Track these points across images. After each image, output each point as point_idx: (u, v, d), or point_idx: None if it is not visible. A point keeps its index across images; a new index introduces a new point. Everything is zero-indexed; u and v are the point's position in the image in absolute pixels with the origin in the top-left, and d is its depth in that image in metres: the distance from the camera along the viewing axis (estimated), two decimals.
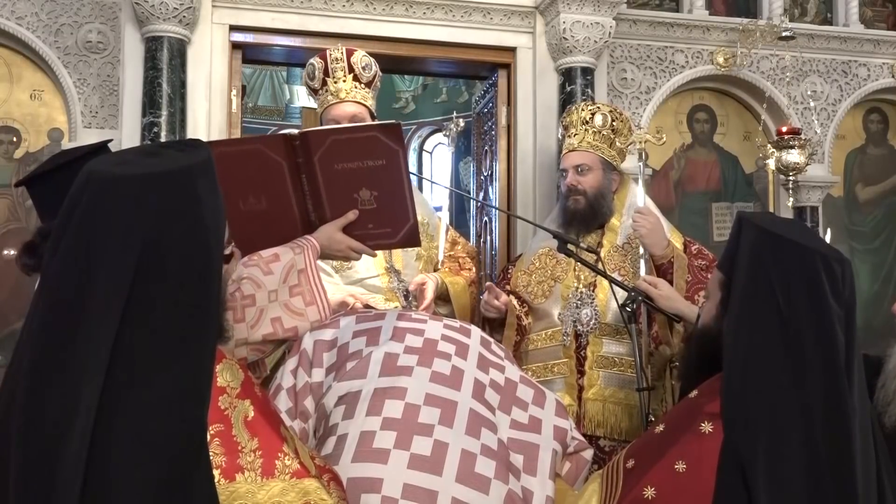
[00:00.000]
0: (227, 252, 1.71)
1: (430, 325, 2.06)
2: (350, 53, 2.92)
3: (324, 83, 2.91)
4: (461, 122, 3.44)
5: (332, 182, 2.16)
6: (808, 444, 1.55)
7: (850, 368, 1.61)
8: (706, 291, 2.00)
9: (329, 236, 2.18)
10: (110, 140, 2.13)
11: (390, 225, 2.22)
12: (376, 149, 2.10)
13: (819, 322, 1.61)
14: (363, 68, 2.93)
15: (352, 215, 2.18)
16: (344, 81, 2.89)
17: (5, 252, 4.03)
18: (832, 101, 5.02)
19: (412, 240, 2.29)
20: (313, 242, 2.15)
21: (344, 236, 2.19)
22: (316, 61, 2.94)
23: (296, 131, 2.29)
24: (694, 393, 1.78)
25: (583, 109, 3.18)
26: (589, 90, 4.29)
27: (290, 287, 2.07)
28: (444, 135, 3.43)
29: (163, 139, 3.79)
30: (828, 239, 4.85)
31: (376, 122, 2.25)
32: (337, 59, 2.89)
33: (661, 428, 1.77)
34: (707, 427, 1.64)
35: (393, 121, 2.18)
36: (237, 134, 4.18)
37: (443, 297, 2.99)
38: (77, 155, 1.91)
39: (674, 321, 2.78)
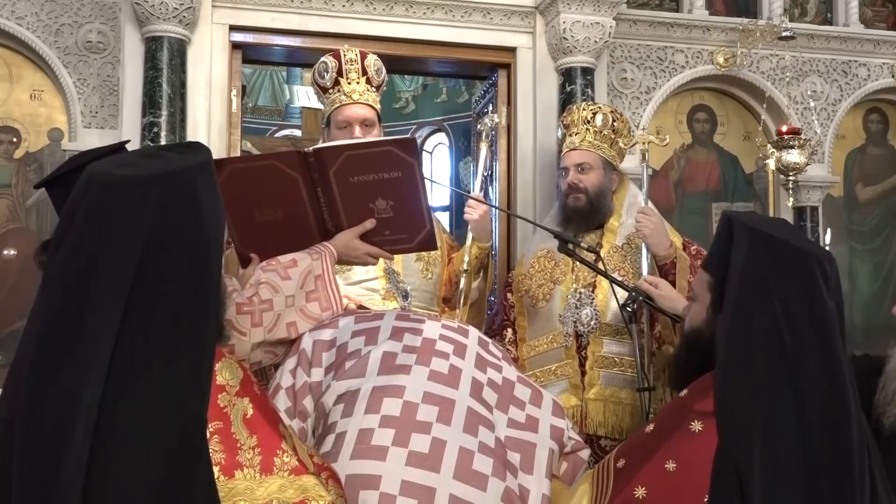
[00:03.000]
0: (227, 252, 1.72)
1: (428, 325, 2.07)
2: (364, 56, 2.95)
3: (336, 82, 2.93)
4: (496, 118, 3.43)
5: (348, 194, 2.17)
6: (804, 448, 1.53)
7: None
8: (692, 293, 1.97)
9: (346, 243, 2.20)
10: (128, 141, 2.14)
11: (407, 231, 2.23)
12: (391, 162, 2.12)
13: (819, 324, 1.59)
14: (376, 72, 2.98)
15: (369, 224, 2.19)
16: (358, 83, 2.92)
17: (5, 252, 4.03)
18: (832, 101, 5.02)
19: (429, 244, 2.31)
20: (331, 249, 2.17)
21: (361, 243, 2.21)
22: (329, 60, 2.95)
23: (299, 133, 2.31)
24: (684, 392, 1.77)
25: (584, 109, 3.21)
26: (589, 90, 4.29)
27: (307, 292, 2.09)
28: (479, 128, 3.41)
29: (163, 139, 3.80)
30: (828, 239, 4.86)
31: (391, 138, 2.27)
32: (352, 61, 2.92)
33: (651, 427, 1.76)
34: (697, 426, 1.63)
35: (408, 136, 2.19)
36: (237, 134, 4.19)
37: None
38: (95, 156, 1.92)
39: (675, 321, 2.78)
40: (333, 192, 2.17)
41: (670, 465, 1.62)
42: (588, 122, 3.14)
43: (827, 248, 4.89)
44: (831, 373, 1.58)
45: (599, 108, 3.21)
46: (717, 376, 1.66)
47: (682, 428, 1.65)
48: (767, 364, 1.60)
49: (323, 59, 2.99)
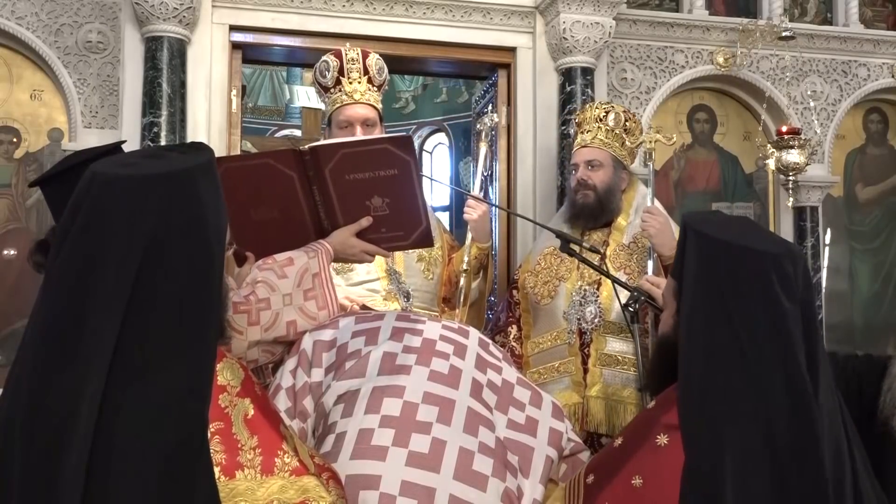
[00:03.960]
0: (228, 252, 1.72)
1: (428, 326, 2.07)
2: (365, 55, 2.95)
3: (337, 82, 2.93)
4: (495, 117, 3.43)
5: (344, 192, 2.17)
6: (772, 453, 1.48)
7: (814, 367, 1.54)
8: (663, 300, 1.92)
9: (343, 241, 2.19)
10: (124, 141, 2.14)
11: (403, 229, 2.23)
12: (388, 160, 2.12)
13: (773, 326, 1.54)
14: (377, 71, 2.97)
15: (365, 222, 2.19)
16: (359, 83, 2.92)
17: (5, 252, 4.03)
18: (832, 101, 5.02)
19: (425, 241, 2.31)
20: (327, 247, 2.16)
21: (357, 240, 2.20)
22: (330, 59, 2.95)
23: (299, 133, 2.31)
24: (651, 403, 1.74)
25: (597, 108, 3.23)
26: (589, 90, 4.29)
27: (304, 291, 2.08)
28: (479, 128, 3.41)
29: (163, 139, 3.80)
30: (828, 239, 4.86)
31: (387, 136, 2.26)
32: (353, 60, 2.92)
33: (619, 441, 1.73)
34: (663, 439, 1.60)
35: (404, 133, 2.19)
36: (237, 134, 4.19)
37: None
38: (91, 155, 1.92)
39: None
40: (329, 191, 2.16)
41: (637, 481, 1.59)
42: (600, 120, 3.17)
43: (826, 248, 4.89)
44: (790, 374, 1.52)
45: (612, 107, 3.23)
46: (679, 388, 1.61)
47: (648, 442, 1.62)
48: (727, 371, 1.54)
49: (324, 58, 2.99)
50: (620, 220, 3.12)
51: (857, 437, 1.64)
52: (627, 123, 3.18)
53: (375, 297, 2.85)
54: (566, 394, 2.92)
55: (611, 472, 1.65)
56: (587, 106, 3.35)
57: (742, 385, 1.52)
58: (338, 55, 2.95)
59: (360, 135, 2.85)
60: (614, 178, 3.12)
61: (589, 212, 3.10)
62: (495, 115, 3.47)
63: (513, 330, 3.21)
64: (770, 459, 1.49)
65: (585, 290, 3.01)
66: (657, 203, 3.10)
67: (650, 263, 2.93)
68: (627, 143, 3.18)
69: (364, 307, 2.68)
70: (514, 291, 3.27)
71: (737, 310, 1.55)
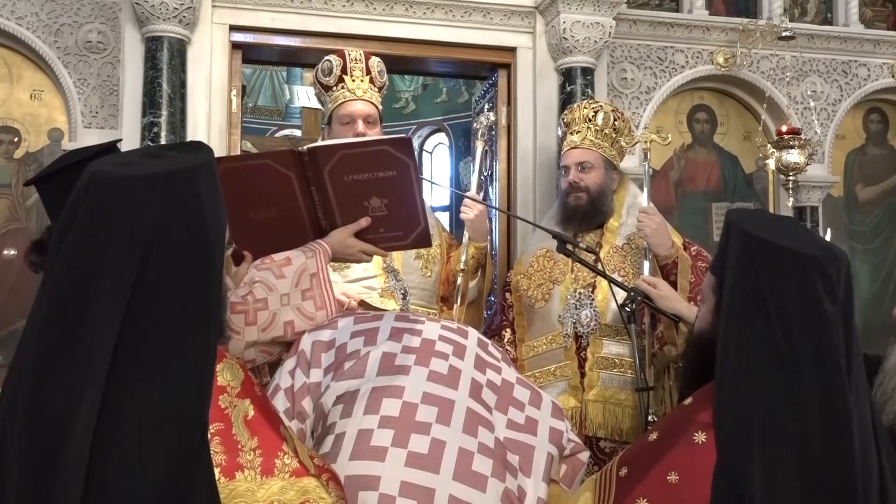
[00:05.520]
0: (228, 252, 1.72)
1: (427, 326, 2.06)
2: (367, 57, 3.00)
3: (340, 80, 2.96)
4: (491, 116, 3.44)
5: (342, 193, 2.18)
6: (804, 458, 1.49)
7: (849, 370, 1.54)
8: (701, 295, 1.94)
9: (341, 241, 2.20)
10: (120, 140, 2.13)
11: (401, 229, 2.24)
12: (387, 161, 2.12)
13: (816, 330, 1.54)
14: (378, 73, 3.02)
15: (364, 222, 2.19)
16: (362, 81, 2.96)
17: (5, 252, 4.04)
18: (832, 101, 5.02)
19: (424, 241, 2.32)
20: (325, 247, 2.16)
21: (356, 240, 2.21)
22: (333, 58, 2.99)
23: (299, 133, 2.31)
24: (688, 400, 1.73)
25: (585, 107, 3.18)
26: (589, 90, 4.29)
27: (302, 291, 2.08)
28: (476, 127, 3.42)
29: (163, 139, 3.80)
30: (828, 239, 4.85)
31: (386, 137, 2.27)
32: (356, 60, 2.97)
33: (654, 436, 1.72)
34: (700, 437, 1.59)
35: (403, 135, 2.20)
36: (237, 134, 4.19)
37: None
38: (86, 154, 1.92)
39: (674, 321, 2.77)
40: (328, 191, 2.17)
41: (672, 477, 1.58)
42: (589, 120, 3.11)
43: None
44: (829, 379, 1.52)
45: (601, 106, 3.17)
46: (716, 386, 1.62)
47: (685, 438, 1.61)
48: (763, 371, 1.55)
49: (327, 58, 3.02)
50: (613, 222, 3.08)
51: (887, 442, 1.63)
52: (616, 122, 3.12)
53: (372, 294, 2.84)
54: (563, 398, 2.89)
55: (645, 467, 1.64)
56: (575, 105, 3.29)
57: (777, 386, 1.53)
58: (341, 55, 2.99)
59: (361, 130, 2.88)
60: (606, 179, 3.07)
61: (581, 214, 3.06)
62: (492, 114, 3.47)
63: (507, 333, 3.17)
64: (801, 464, 1.49)
65: (580, 293, 2.98)
66: (651, 203, 3.08)
67: (646, 264, 2.90)
68: (622, 142, 3.14)
69: (361, 303, 2.68)
70: (507, 294, 3.24)
71: (777, 310, 1.54)
